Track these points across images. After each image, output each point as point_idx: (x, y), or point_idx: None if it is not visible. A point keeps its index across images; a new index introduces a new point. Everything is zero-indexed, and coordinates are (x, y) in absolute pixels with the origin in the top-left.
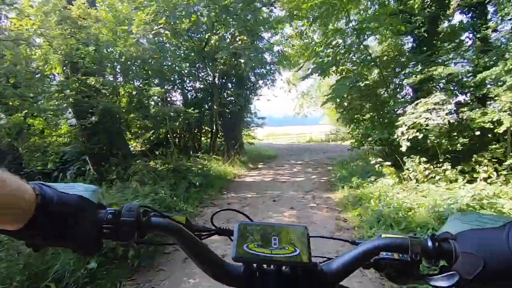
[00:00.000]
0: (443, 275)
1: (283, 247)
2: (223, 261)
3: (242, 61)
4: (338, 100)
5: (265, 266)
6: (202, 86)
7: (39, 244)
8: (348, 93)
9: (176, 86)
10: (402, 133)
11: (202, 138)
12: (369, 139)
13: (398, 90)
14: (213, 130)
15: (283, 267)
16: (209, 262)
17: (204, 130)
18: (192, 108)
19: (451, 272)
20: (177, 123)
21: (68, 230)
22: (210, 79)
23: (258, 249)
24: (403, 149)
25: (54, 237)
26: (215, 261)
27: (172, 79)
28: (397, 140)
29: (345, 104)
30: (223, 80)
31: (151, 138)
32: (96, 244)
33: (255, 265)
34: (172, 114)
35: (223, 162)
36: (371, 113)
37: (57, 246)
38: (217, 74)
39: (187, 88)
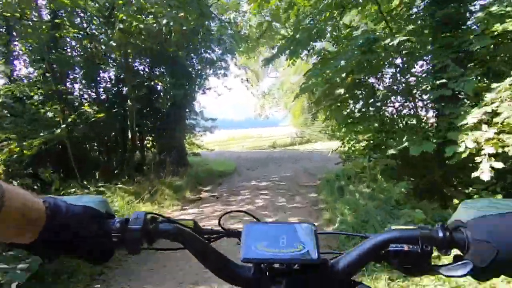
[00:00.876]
0: (456, 264)
1: (291, 245)
2: (233, 262)
3: (164, 22)
4: (317, 88)
5: (275, 265)
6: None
7: (51, 255)
8: (338, 75)
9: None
10: (477, 143)
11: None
12: (385, 151)
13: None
14: (128, 139)
15: (293, 266)
16: (219, 264)
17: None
18: (96, 107)
19: (464, 261)
20: (60, 131)
21: (78, 240)
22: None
23: (267, 249)
24: (485, 177)
25: (65, 248)
26: (224, 263)
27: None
28: (459, 154)
29: (333, 93)
30: (147, 64)
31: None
32: (107, 253)
33: (264, 265)
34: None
35: (142, 192)
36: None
37: (69, 256)
38: (129, 50)
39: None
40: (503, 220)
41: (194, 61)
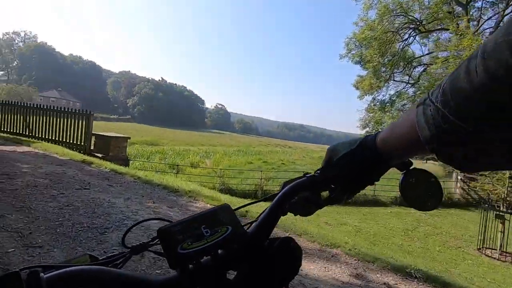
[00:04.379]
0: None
1: (215, 231)
2: (156, 277)
3: None
4: None
5: (202, 259)
6: None
7: None
8: None
9: None
10: None
11: None
12: None
13: None
14: None
15: (219, 251)
16: (141, 287)
17: None
18: None
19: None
20: None
21: None
22: None
23: (194, 245)
24: None
25: None
26: (147, 282)
27: None
28: None
29: None
30: None
31: None
32: None
33: (192, 263)
34: None
35: None
36: None
37: None
38: None
39: None
40: (352, 153)
41: None
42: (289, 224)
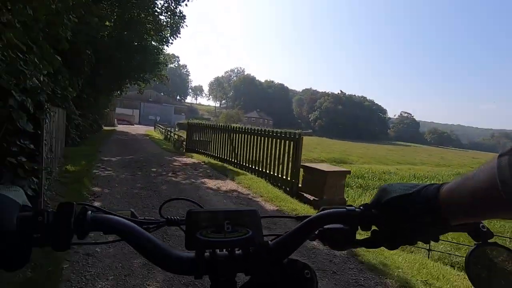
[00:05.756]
0: (373, 237)
1: (236, 230)
2: (175, 252)
3: None
4: None
5: (218, 251)
6: None
7: None
8: None
9: None
10: None
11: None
12: None
13: None
14: None
15: (236, 250)
16: (159, 254)
17: None
18: None
19: (379, 234)
20: None
21: None
22: None
23: (211, 235)
24: None
25: None
26: (165, 252)
27: None
28: None
29: None
30: None
31: None
32: (23, 255)
33: (208, 251)
34: None
35: None
36: None
37: None
38: None
39: None
40: (403, 198)
41: None
42: None
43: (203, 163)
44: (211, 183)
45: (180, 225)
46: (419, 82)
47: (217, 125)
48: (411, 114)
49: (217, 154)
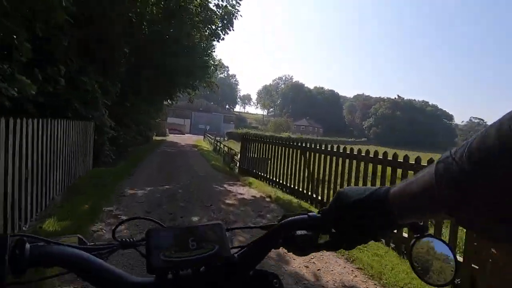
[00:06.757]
0: (332, 240)
1: (202, 246)
2: (133, 277)
3: None
4: None
5: (182, 271)
6: None
7: None
8: None
9: None
10: None
11: None
12: None
13: None
14: None
15: (200, 267)
16: (114, 283)
17: None
18: None
19: (336, 237)
20: None
21: None
22: None
23: (175, 255)
24: None
25: None
26: (121, 280)
27: None
28: None
29: None
30: None
31: None
32: None
33: (171, 272)
34: None
35: None
36: None
37: None
38: None
39: None
40: (359, 202)
41: None
42: None
43: (268, 199)
44: (298, 263)
45: (138, 247)
46: (492, 83)
47: (284, 140)
48: (483, 120)
49: (284, 182)
